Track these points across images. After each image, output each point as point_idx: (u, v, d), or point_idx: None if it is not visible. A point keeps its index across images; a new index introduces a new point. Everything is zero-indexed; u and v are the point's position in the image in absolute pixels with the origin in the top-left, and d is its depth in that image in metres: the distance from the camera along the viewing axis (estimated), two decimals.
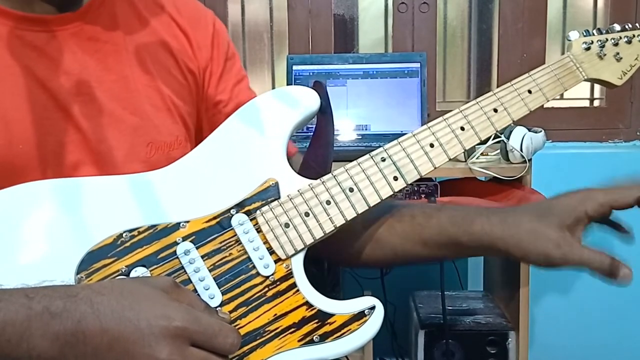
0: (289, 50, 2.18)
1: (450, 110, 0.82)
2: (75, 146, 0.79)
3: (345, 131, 1.86)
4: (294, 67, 1.89)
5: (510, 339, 1.69)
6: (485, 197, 1.70)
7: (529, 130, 1.64)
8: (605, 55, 0.89)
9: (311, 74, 1.89)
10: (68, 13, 0.80)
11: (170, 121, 0.86)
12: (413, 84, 1.89)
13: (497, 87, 0.84)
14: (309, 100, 0.82)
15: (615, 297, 2.09)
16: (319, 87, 0.82)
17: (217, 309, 0.71)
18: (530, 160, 1.65)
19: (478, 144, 0.84)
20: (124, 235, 0.72)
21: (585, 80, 0.89)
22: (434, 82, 2.16)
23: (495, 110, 0.83)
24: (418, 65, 1.88)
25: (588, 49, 0.89)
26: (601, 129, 2.17)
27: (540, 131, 1.66)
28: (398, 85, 1.89)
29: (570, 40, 0.90)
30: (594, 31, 0.90)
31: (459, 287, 2.09)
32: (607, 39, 0.90)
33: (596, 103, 2.27)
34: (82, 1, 0.81)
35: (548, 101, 0.86)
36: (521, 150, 1.63)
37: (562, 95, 0.89)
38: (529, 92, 0.84)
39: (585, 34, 0.90)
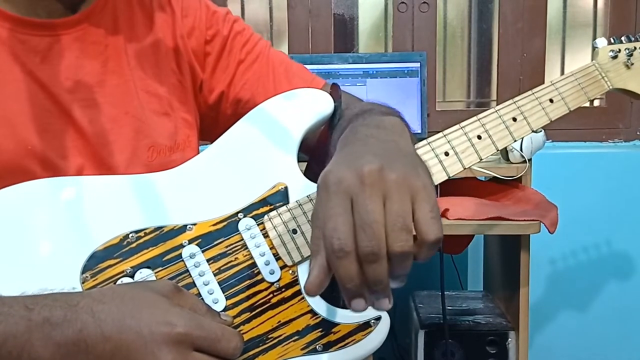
0: (289, 50, 2.17)
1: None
2: (79, 150, 0.78)
3: None
4: None
5: (510, 339, 1.68)
6: (485, 197, 1.70)
7: None
8: (632, 64, 0.85)
9: None
10: (72, 15, 0.79)
11: (171, 125, 0.85)
12: (413, 83, 1.88)
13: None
14: (323, 104, 0.80)
15: (615, 297, 2.09)
16: (335, 91, 0.80)
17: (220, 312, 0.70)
18: (530, 160, 1.65)
19: None
20: (130, 235, 0.71)
21: (611, 90, 0.85)
22: (434, 82, 2.15)
23: (515, 119, 0.81)
24: (418, 65, 1.88)
25: (615, 57, 0.85)
26: (601, 129, 2.17)
27: (540, 131, 1.66)
28: (398, 85, 1.88)
29: (596, 48, 0.86)
30: (623, 38, 0.86)
31: (459, 287, 2.09)
32: (635, 47, 0.86)
33: (596, 103, 2.26)
34: (86, 1, 0.80)
35: (570, 111, 0.82)
36: (521, 150, 1.63)
37: None
38: (551, 101, 0.82)
39: (613, 41, 0.86)
